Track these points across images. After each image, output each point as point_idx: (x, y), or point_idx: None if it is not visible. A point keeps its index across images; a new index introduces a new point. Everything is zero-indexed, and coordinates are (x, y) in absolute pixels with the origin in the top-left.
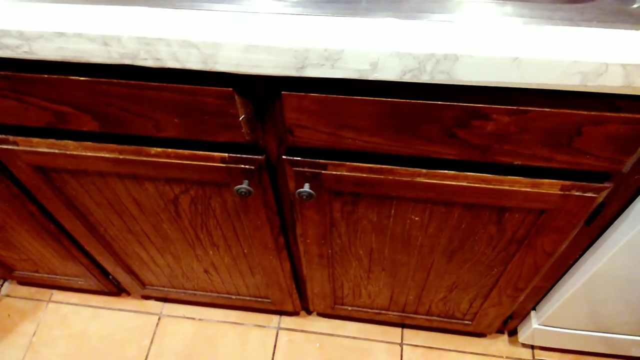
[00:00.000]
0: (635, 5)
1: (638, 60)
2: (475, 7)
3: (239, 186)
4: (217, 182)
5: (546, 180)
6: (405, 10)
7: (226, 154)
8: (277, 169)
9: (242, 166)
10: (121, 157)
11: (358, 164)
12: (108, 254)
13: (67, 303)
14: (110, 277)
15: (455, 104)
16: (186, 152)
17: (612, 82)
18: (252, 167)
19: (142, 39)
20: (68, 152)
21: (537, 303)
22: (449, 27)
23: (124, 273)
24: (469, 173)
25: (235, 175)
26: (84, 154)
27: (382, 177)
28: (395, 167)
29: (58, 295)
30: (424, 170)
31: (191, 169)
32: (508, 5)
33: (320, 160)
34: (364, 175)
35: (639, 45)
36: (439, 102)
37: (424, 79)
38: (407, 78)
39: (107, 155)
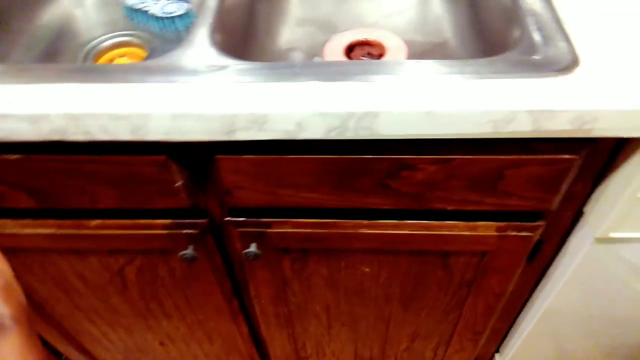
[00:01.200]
0: (537, 56)
1: (543, 106)
2: (394, 66)
3: (184, 252)
4: (161, 250)
5: (482, 223)
6: (329, 74)
7: (168, 221)
8: (222, 231)
9: (186, 231)
10: (60, 232)
11: (302, 220)
12: (57, 333)
13: None
14: (63, 357)
15: (383, 156)
16: (127, 221)
17: (522, 128)
18: (196, 232)
19: (69, 115)
20: (6, 231)
21: (499, 345)
22: (369, 86)
23: (77, 352)
24: (408, 221)
25: (180, 241)
26: (22, 231)
27: (326, 231)
28: (338, 220)
29: None
30: (365, 222)
31: (134, 239)
32: (423, 63)
33: (264, 219)
34: (309, 230)
35: (542, 92)
36: (369, 156)
37: (349, 135)
38: (333, 135)
39: (46, 232)
